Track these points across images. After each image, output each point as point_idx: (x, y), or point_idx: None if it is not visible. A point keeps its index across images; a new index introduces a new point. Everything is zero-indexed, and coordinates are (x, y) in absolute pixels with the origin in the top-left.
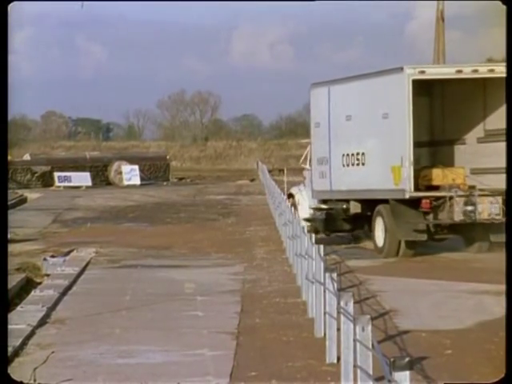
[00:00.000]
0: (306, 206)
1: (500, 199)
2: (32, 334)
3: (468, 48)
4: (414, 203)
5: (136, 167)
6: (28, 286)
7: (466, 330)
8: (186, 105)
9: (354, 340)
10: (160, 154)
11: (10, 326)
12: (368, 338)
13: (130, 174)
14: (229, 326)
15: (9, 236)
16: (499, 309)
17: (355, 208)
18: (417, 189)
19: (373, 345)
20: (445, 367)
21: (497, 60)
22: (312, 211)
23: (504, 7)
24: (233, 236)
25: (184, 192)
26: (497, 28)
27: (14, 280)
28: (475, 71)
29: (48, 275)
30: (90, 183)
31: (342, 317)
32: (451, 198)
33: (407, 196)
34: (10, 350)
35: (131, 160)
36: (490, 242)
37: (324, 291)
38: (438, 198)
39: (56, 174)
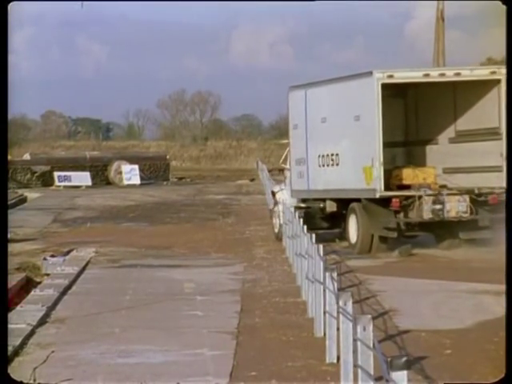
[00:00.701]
0: (287, 204)
1: (467, 198)
2: (32, 333)
3: (468, 48)
4: (384, 202)
5: (136, 167)
6: (28, 285)
7: (466, 329)
8: (186, 105)
9: (354, 340)
10: (160, 154)
11: (10, 326)
12: (369, 337)
13: (130, 174)
14: (229, 325)
15: (9, 236)
16: (499, 309)
17: (331, 207)
18: (388, 188)
19: (374, 344)
20: (445, 367)
21: (496, 60)
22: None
23: (504, 7)
24: (232, 236)
25: (184, 192)
26: (497, 28)
27: (14, 279)
28: (442, 75)
29: (48, 275)
30: (89, 183)
31: (342, 316)
32: (420, 197)
33: (377, 195)
34: (9, 349)
35: (131, 160)
36: (459, 239)
37: (324, 291)
38: (407, 197)
39: (56, 174)
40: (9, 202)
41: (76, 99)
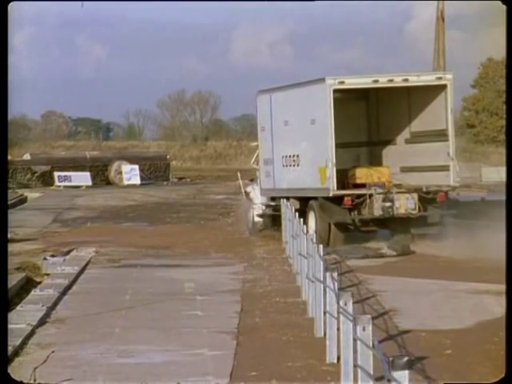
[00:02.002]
0: (259, 203)
1: (416, 195)
2: (32, 333)
3: (468, 48)
4: (338, 200)
5: (136, 167)
6: (28, 285)
7: (466, 329)
8: (186, 105)
9: (354, 340)
10: (160, 154)
11: (10, 326)
12: (369, 337)
13: (130, 174)
14: (229, 325)
15: (9, 235)
16: (499, 309)
17: (295, 204)
18: (345, 187)
19: (373, 344)
20: (445, 367)
21: (496, 60)
22: (263, 208)
23: (504, 7)
24: (232, 236)
25: (184, 192)
26: (497, 28)
27: (14, 279)
28: (390, 81)
29: (48, 274)
30: (90, 183)
31: (342, 316)
32: (371, 195)
33: (331, 194)
34: (10, 349)
35: (131, 160)
36: (411, 234)
37: (324, 291)
38: (359, 196)
39: (56, 174)
40: (9, 202)
41: (76, 99)
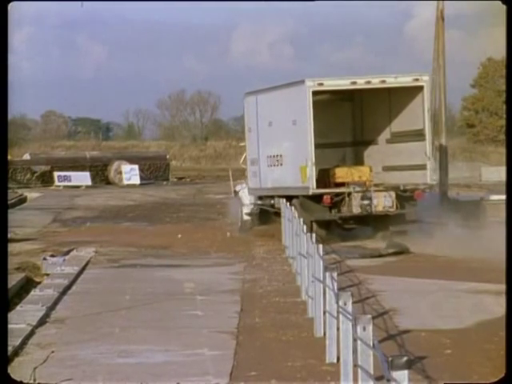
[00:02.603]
0: (247, 201)
1: (393, 194)
2: (32, 333)
3: (468, 48)
4: (318, 198)
5: (136, 167)
6: (28, 285)
7: (466, 329)
8: (186, 105)
9: (354, 339)
10: (160, 154)
11: (9, 326)
12: (369, 337)
13: (130, 174)
14: (228, 325)
15: (9, 235)
16: (499, 308)
17: (279, 203)
18: (328, 186)
19: (373, 344)
20: (445, 367)
21: (496, 60)
22: (251, 206)
23: (504, 7)
24: (232, 235)
25: (184, 191)
26: (497, 28)
27: (13, 279)
28: (368, 82)
29: (48, 274)
30: (89, 183)
31: (342, 316)
32: (349, 193)
33: (310, 192)
34: (9, 349)
35: (131, 159)
36: (390, 231)
37: (324, 291)
38: (338, 194)
39: (56, 174)
40: (9, 202)
41: (76, 99)
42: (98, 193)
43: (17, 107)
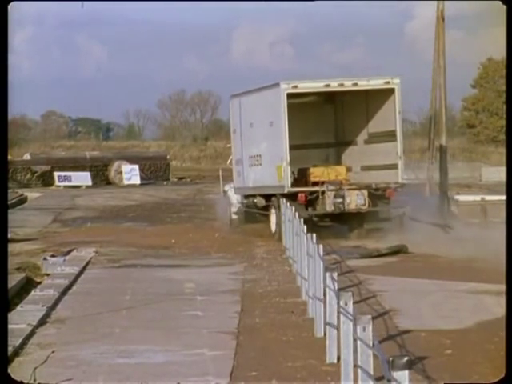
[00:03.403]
0: (235, 201)
1: (365, 192)
2: (32, 333)
3: (468, 48)
4: (294, 197)
5: (136, 167)
6: (28, 285)
7: (466, 329)
8: (186, 105)
9: (355, 340)
10: (160, 154)
11: (10, 326)
12: (369, 337)
13: (130, 174)
14: (229, 325)
15: (9, 235)
16: (499, 309)
17: (261, 201)
18: (306, 185)
19: (374, 344)
20: (445, 367)
21: (496, 60)
22: (238, 205)
23: (504, 7)
24: (232, 235)
25: (184, 192)
26: (497, 28)
27: (14, 279)
28: (341, 85)
29: (48, 275)
30: (90, 183)
31: (342, 316)
32: (323, 192)
33: (286, 191)
34: (10, 349)
35: (131, 160)
36: (365, 228)
37: (324, 291)
38: (312, 193)
39: (56, 174)
40: (9, 202)
41: (76, 99)
42: (98, 193)
43: (17, 107)
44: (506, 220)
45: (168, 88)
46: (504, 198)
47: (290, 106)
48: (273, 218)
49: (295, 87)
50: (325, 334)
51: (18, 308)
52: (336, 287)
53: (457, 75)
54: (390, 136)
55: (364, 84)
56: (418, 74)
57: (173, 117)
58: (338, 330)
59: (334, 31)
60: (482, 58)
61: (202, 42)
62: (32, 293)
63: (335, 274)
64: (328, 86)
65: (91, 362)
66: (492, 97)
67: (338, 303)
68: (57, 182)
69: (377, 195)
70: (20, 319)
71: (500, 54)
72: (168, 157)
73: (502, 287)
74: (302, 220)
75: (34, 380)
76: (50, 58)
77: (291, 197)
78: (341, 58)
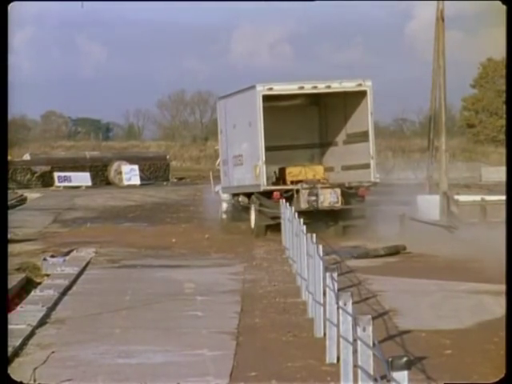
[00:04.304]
0: (224, 200)
1: (339, 190)
2: (32, 334)
3: (468, 48)
4: (270, 195)
5: (136, 167)
6: (28, 285)
7: (466, 330)
8: (186, 105)
9: (354, 340)
10: (160, 154)
11: (10, 326)
12: (369, 338)
13: (130, 174)
14: (229, 325)
15: (9, 236)
16: (499, 309)
17: (244, 200)
18: (283, 183)
19: (374, 345)
20: (445, 367)
21: (496, 60)
22: (226, 205)
23: (504, 7)
24: (232, 235)
25: (184, 192)
26: (497, 28)
27: (14, 280)
28: (315, 87)
29: (48, 275)
30: (89, 183)
31: (342, 317)
32: (298, 190)
33: (261, 189)
34: (10, 350)
35: (131, 160)
36: (340, 225)
37: (324, 291)
38: (287, 191)
39: (56, 174)
40: (9, 203)
41: (76, 99)
42: (98, 193)
43: (17, 107)
44: (506, 220)
45: (168, 88)
46: (504, 197)
47: (276, 109)
48: (252, 215)
49: (270, 89)
50: (325, 335)
51: (18, 308)
52: (336, 287)
53: (456, 75)
54: (364, 136)
55: (337, 86)
56: (418, 73)
57: (172, 117)
58: (338, 330)
59: (334, 31)
60: (482, 58)
61: (202, 42)
62: (32, 293)
63: (335, 274)
64: (302, 88)
65: (91, 362)
66: (492, 97)
67: (338, 303)
68: (56, 183)
69: (350, 193)
70: (20, 320)
71: (500, 53)
72: (168, 157)
73: (502, 287)
74: (301, 220)
75: (34, 380)
76: (49, 58)
77: (268, 195)
78: (340, 57)
